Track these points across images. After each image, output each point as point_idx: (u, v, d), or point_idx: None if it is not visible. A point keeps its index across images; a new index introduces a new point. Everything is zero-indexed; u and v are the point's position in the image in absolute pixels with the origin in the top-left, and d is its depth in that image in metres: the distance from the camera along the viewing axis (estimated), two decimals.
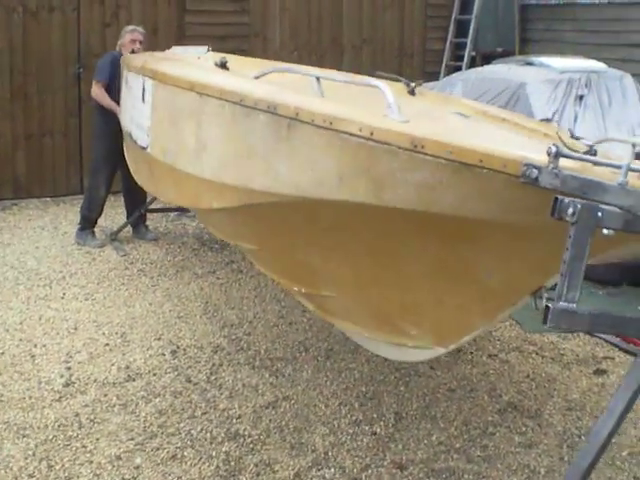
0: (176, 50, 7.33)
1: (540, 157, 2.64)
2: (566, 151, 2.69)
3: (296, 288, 4.44)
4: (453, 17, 11.78)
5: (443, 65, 11.77)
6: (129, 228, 8.51)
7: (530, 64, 9.77)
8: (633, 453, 4.54)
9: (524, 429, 4.73)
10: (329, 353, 5.70)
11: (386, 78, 4.80)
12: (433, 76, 11.15)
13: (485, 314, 3.37)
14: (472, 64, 11.56)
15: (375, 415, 4.83)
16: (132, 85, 5.89)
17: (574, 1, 11.89)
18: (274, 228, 3.96)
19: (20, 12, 9.51)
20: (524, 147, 3.14)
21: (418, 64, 11.82)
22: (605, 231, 2.64)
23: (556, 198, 2.57)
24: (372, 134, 2.90)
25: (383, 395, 5.08)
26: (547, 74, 9.21)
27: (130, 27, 8.27)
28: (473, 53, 11.77)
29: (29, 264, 7.57)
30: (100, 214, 8.28)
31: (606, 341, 6.02)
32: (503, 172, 2.66)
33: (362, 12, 11.26)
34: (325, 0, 10.92)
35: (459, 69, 11.33)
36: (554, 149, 2.58)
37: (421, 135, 2.82)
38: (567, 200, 2.57)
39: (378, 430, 4.66)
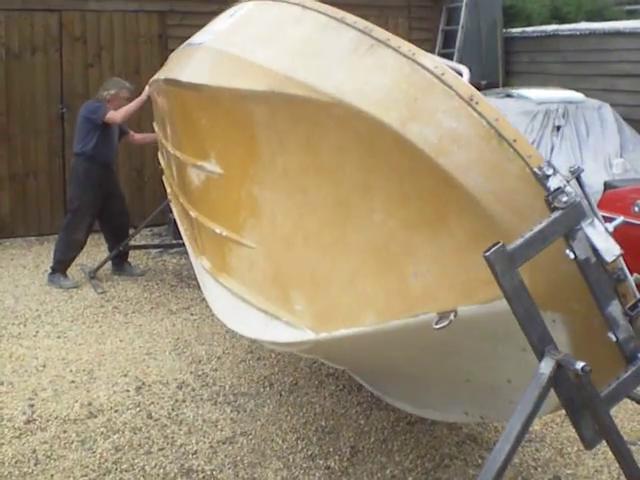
0: None
1: None
2: None
3: (218, 230, 4.51)
4: (436, 51, 11.87)
5: None
6: (109, 265, 8.57)
7: (509, 96, 9.85)
8: None
9: (480, 461, 4.72)
10: (293, 387, 5.70)
11: None
12: None
13: (380, 315, 3.32)
14: None
15: (331, 449, 4.83)
16: None
17: (557, 32, 12.00)
18: (267, 138, 3.96)
19: (2, 54, 9.65)
20: None
21: None
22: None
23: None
24: (443, 74, 3.04)
25: (342, 429, 5.08)
26: (524, 105, 9.30)
27: (122, 82, 8.34)
28: None
29: (6, 302, 7.62)
30: (74, 259, 8.35)
31: None
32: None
33: None
34: None
35: None
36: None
37: (480, 95, 2.97)
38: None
39: (332, 464, 4.66)
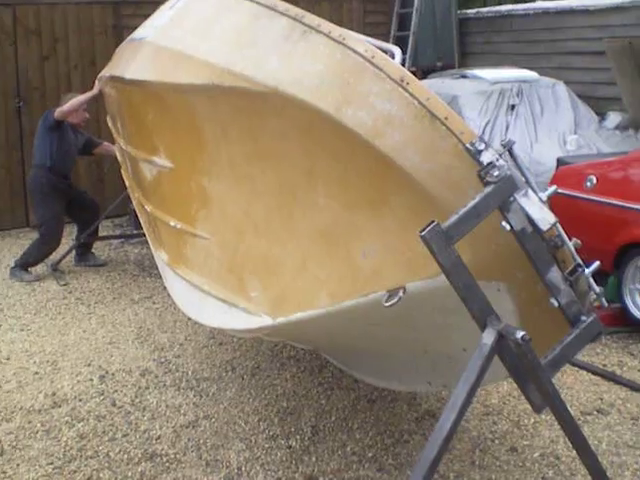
0: None
1: None
2: None
3: (173, 223, 4.61)
4: (392, 34, 11.95)
5: None
6: (70, 257, 8.60)
7: (464, 77, 9.95)
8: (545, 454, 4.64)
9: None
10: (255, 371, 5.78)
11: None
12: None
13: (333, 296, 3.40)
14: None
15: (293, 429, 4.91)
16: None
17: (511, 12, 12.11)
18: (211, 130, 4.04)
19: None
20: None
21: None
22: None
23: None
24: (373, 57, 3.12)
25: (303, 409, 5.17)
26: (479, 86, 9.39)
27: (77, 95, 8.21)
28: (413, 68, 11.91)
29: None
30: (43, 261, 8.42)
31: None
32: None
33: None
34: None
35: None
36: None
37: (410, 75, 3.08)
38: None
39: (293, 444, 4.74)
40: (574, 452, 4.49)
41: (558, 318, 3.05)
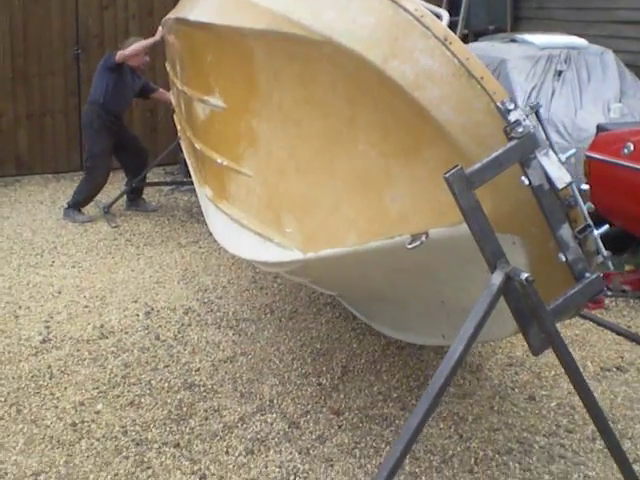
0: None
1: None
2: None
3: (220, 160, 4.90)
4: None
5: None
6: (122, 201, 8.94)
7: (514, 41, 10.04)
8: (561, 404, 4.87)
9: (462, 381, 5.08)
10: (292, 314, 6.07)
11: None
12: None
13: (361, 236, 3.65)
14: (464, 42, 11.78)
15: (324, 368, 5.20)
16: None
17: None
18: (264, 74, 4.27)
19: None
20: None
21: None
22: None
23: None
24: (422, 16, 3.35)
25: (335, 351, 5.45)
26: (527, 50, 9.48)
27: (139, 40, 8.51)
28: (465, 31, 12.00)
29: (24, 235, 8.00)
30: (93, 199, 8.77)
31: None
32: None
33: None
34: None
35: None
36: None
37: (453, 36, 3.28)
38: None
39: (324, 381, 5.03)
40: None
41: (566, 276, 3.28)
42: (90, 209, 8.77)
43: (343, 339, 5.65)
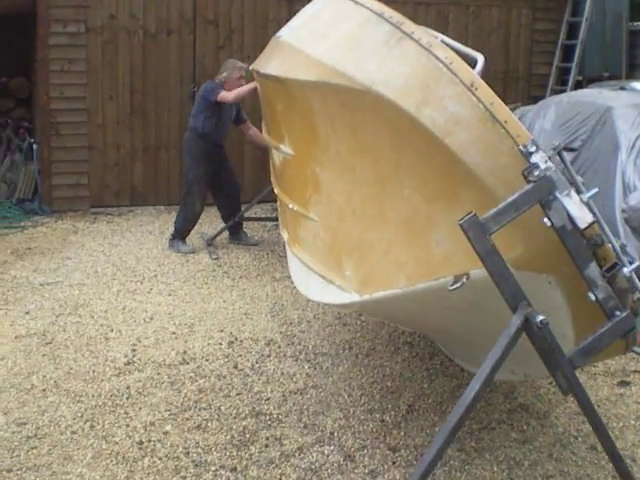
0: None
1: None
2: None
3: (291, 205, 5.13)
4: (560, 42, 12.02)
5: (548, 89, 12.01)
6: (226, 234, 9.26)
7: (623, 89, 9.96)
8: (623, 456, 4.80)
9: (525, 427, 5.09)
10: (370, 352, 6.19)
11: None
12: (538, 100, 11.39)
13: (410, 279, 3.78)
14: (579, 88, 11.73)
15: (390, 406, 5.30)
16: None
17: None
18: (322, 122, 4.50)
19: (140, 35, 10.46)
20: None
21: (523, 88, 12.13)
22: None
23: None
24: (451, 63, 3.55)
25: (405, 390, 5.54)
26: (635, 98, 9.39)
27: (238, 63, 8.91)
28: (579, 77, 11.96)
29: (129, 263, 8.40)
30: (192, 228, 9.07)
31: None
32: None
33: (467, 36, 11.65)
34: (430, 24, 11.30)
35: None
36: None
37: (480, 81, 3.47)
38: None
39: (387, 418, 5.13)
40: None
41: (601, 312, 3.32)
42: (195, 240, 9.12)
43: (415, 378, 5.73)
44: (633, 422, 5.22)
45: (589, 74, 12.10)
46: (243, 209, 9.20)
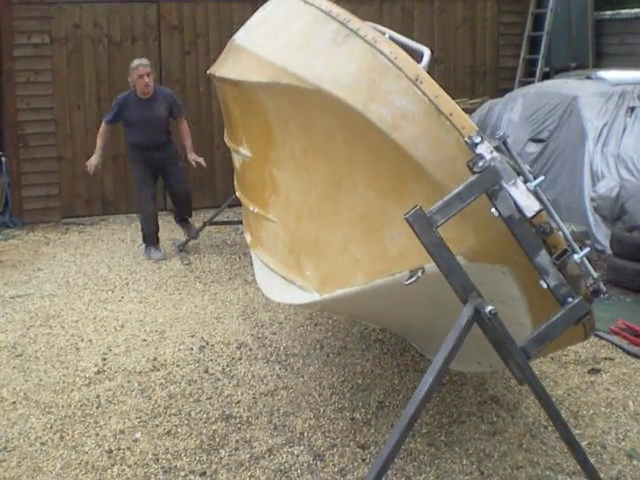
0: None
1: None
2: None
3: (252, 207, 5.19)
4: (526, 34, 12.06)
5: (516, 82, 12.05)
6: (198, 239, 9.27)
7: (589, 78, 10.01)
8: (592, 443, 4.83)
9: (495, 419, 5.10)
10: (341, 350, 6.19)
11: None
12: (506, 93, 11.42)
13: (367, 275, 3.78)
14: (546, 80, 11.77)
15: (360, 403, 5.30)
16: None
17: None
18: (277, 123, 4.52)
19: (105, 43, 10.43)
20: None
21: (491, 81, 12.16)
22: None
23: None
24: (396, 58, 3.54)
25: (375, 387, 5.54)
26: (600, 87, 9.45)
27: (134, 63, 8.82)
28: (547, 69, 12.00)
29: (100, 272, 8.37)
30: (156, 229, 9.07)
31: (612, 343, 6.29)
32: None
33: (433, 32, 11.68)
34: (396, 21, 11.31)
35: None
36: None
37: (425, 75, 3.47)
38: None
39: (357, 416, 5.13)
40: (622, 443, 4.76)
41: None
42: (167, 247, 9.10)
43: (386, 375, 5.74)
44: (603, 409, 5.23)
45: (556, 65, 12.13)
46: (213, 213, 9.18)
